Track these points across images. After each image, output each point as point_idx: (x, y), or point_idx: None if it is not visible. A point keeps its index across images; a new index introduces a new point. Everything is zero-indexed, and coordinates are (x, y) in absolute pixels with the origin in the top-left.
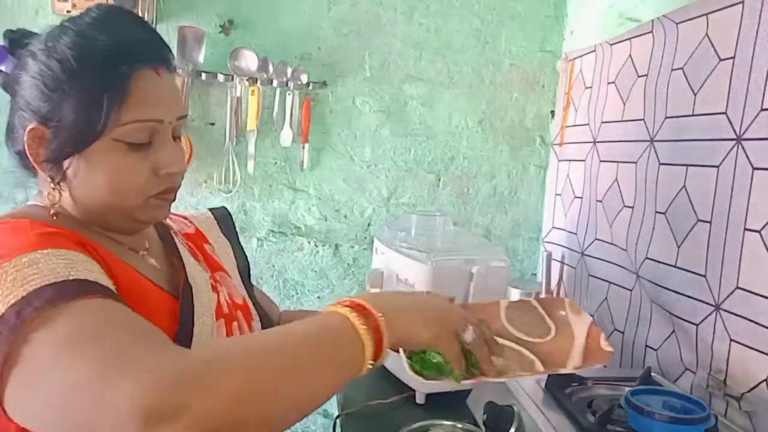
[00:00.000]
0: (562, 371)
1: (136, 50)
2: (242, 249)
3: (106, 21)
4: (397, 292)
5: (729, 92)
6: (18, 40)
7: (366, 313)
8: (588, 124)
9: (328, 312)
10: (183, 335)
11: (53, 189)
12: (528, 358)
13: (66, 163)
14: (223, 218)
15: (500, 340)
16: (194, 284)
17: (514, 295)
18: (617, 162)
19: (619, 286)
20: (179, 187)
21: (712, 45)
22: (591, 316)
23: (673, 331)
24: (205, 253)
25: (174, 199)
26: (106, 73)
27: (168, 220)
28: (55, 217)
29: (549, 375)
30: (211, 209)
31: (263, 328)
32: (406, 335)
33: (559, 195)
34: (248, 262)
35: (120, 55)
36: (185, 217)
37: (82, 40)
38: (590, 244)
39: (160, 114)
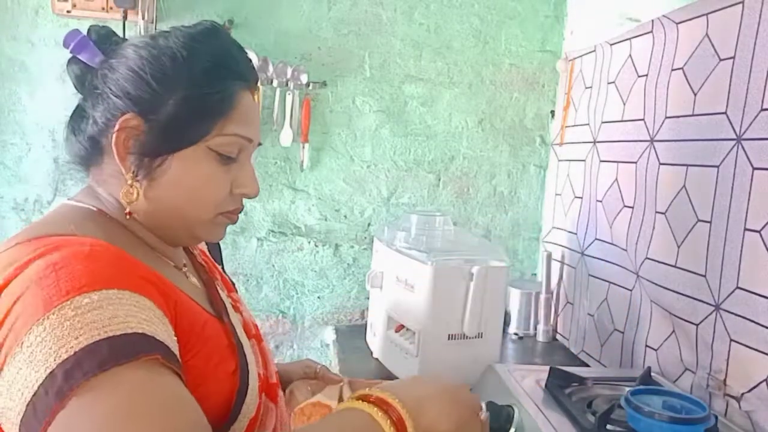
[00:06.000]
0: None
1: (241, 69)
2: (229, 277)
3: (218, 35)
4: (416, 379)
5: (729, 92)
6: (107, 35)
7: (388, 407)
8: (588, 124)
9: (352, 409)
10: (242, 360)
11: (131, 186)
12: None
13: (158, 160)
14: (211, 244)
15: None
16: (225, 303)
17: (514, 295)
18: (617, 162)
19: (619, 286)
20: (243, 209)
21: (712, 45)
22: None
23: (673, 331)
24: (219, 273)
25: (236, 221)
26: (217, 82)
27: None
28: (128, 217)
29: (549, 375)
30: None
31: None
32: (430, 425)
33: (559, 195)
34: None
35: (229, 69)
36: None
37: (197, 45)
38: (590, 244)
39: (252, 133)
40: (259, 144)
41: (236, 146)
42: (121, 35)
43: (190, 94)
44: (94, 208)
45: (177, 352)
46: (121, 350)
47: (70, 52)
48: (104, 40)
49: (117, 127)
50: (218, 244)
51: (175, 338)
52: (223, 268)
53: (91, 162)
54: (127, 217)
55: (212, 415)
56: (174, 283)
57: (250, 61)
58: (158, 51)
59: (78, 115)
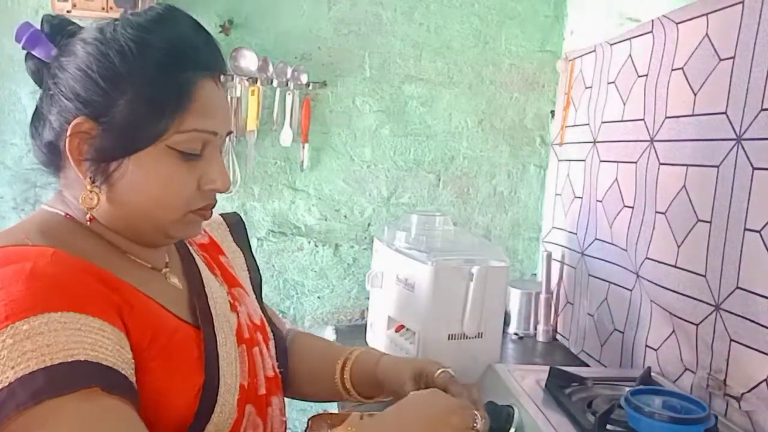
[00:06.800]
0: None
1: (200, 57)
2: (255, 260)
3: (172, 21)
4: (398, 409)
5: (729, 92)
6: (60, 26)
7: None
8: (588, 124)
9: None
10: (210, 374)
11: (90, 192)
12: None
13: (114, 164)
14: (236, 225)
15: None
16: (214, 306)
17: (514, 295)
18: (617, 162)
19: (619, 286)
20: (216, 203)
21: (712, 45)
22: None
23: (673, 331)
24: (221, 267)
25: (209, 217)
26: (172, 75)
27: None
28: (90, 222)
29: (549, 375)
30: (222, 214)
31: (277, 348)
32: None
33: (559, 195)
34: (260, 276)
35: (185, 59)
36: None
37: (147, 36)
38: (590, 244)
39: (216, 126)
40: (229, 132)
41: (198, 142)
42: None
43: (142, 92)
44: (63, 213)
45: (130, 372)
46: (57, 381)
47: (22, 48)
48: (57, 31)
49: (69, 132)
50: (244, 226)
51: (131, 354)
52: (249, 248)
53: (55, 166)
54: (89, 222)
55: (179, 429)
56: (141, 291)
57: (215, 46)
58: (106, 46)
59: (37, 118)
